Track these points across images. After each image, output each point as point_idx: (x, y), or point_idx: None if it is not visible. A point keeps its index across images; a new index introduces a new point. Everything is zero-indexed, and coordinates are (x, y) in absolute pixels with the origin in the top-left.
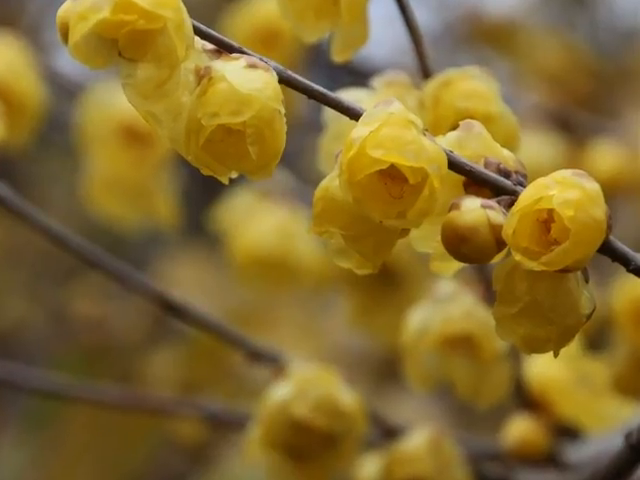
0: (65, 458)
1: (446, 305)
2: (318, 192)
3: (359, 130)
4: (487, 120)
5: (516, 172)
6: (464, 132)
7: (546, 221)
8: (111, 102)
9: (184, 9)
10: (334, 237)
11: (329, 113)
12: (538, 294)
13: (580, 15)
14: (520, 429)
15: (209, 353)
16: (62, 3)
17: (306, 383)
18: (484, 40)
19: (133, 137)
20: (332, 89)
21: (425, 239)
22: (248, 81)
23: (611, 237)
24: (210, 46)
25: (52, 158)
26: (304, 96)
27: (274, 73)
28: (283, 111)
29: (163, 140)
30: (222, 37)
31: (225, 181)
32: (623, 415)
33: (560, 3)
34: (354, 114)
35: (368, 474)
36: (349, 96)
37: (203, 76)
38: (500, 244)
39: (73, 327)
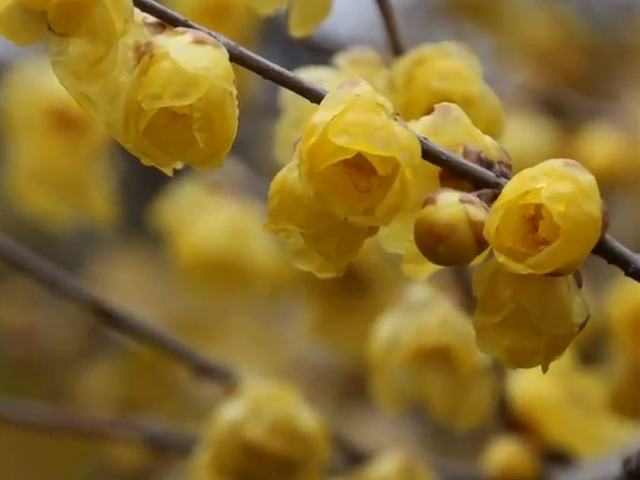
0: None
1: (419, 313)
2: (274, 185)
3: (321, 114)
4: (466, 103)
5: (499, 162)
6: (440, 117)
7: (533, 218)
8: (40, 83)
9: None
10: (292, 236)
11: (287, 95)
12: (524, 301)
13: None
14: (504, 453)
15: (151, 368)
16: None
17: (261, 402)
18: (463, 12)
19: (65, 122)
20: (290, 68)
21: (396, 238)
22: (195, 59)
23: (607, 236)
24: (152, 19)
25: None
26: (259, 76)
27: (224, 50)
28: (235, 93)
29: (98, 126)
30: (165, 9)
31: (169, 172)
32: (620, 438)
33: None
34: (315, 96)
35: None
36: (309, 76)
37: (144, 53)
38: (481, 244)
39: None
